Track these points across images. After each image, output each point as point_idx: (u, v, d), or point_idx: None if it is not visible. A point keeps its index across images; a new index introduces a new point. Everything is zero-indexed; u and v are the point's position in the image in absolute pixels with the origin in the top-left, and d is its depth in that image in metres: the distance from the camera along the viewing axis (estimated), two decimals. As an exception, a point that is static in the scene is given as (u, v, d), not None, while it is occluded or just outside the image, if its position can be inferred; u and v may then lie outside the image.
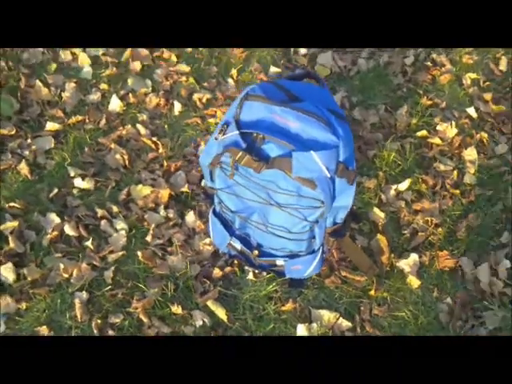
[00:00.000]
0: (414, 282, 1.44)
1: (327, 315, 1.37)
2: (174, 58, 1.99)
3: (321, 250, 1.35)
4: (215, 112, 1.82)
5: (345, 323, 1.36)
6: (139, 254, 1.45)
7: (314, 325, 1.35)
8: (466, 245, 1.51)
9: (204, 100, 1.86)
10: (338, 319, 1.36)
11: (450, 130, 1.78)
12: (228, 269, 1.44)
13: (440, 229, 1.55)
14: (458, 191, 1.63)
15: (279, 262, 1.36)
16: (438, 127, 1.80)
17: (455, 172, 1.68)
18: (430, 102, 1.88)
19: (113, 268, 1.43)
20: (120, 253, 1.46)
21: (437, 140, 1.77)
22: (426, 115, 1.85)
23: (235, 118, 1.23)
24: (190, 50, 2.01)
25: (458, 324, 1.36)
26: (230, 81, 1.93)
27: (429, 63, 2.01)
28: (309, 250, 1.34)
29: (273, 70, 1.96)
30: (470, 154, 1.72)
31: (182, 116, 1.81)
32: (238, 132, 1.20)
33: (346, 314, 1.39)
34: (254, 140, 1.20)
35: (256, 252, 1.37)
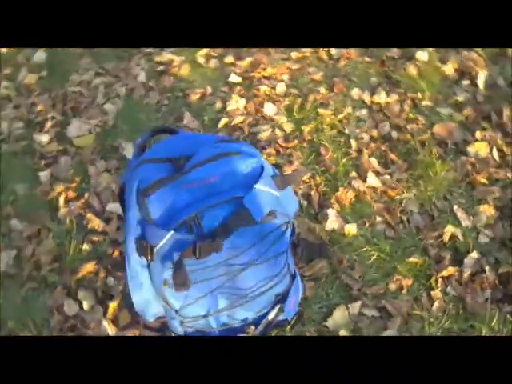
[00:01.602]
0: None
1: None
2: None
3: (295, 270, 1.25)
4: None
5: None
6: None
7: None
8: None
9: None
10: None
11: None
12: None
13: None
14: None
15: (271, 315, 1.21)
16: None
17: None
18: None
19: None
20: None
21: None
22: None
23: (148, 220, 1.02)
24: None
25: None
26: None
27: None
28: (291, 279, 1.22)
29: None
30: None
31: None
32: (172, 232, 1.01)
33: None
34: (190, 225, 1.02)
35: (252, 328, 1.20)
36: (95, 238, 1.45)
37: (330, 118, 1.78)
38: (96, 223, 1.48)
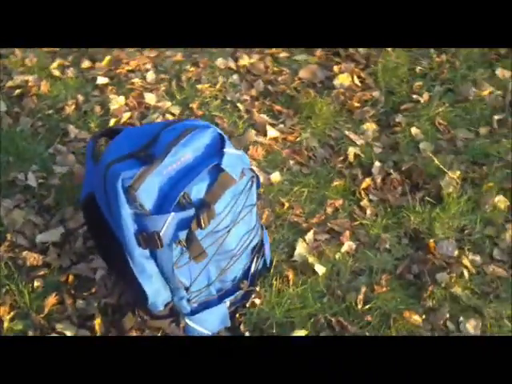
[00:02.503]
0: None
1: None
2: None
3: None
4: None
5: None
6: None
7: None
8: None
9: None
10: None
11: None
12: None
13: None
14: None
15: (253, 267, 1.29)
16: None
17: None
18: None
19: None
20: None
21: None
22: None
23: (143, 212, 1.06)
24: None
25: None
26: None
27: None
28: (262, 229, 1.31)
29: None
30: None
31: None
32: (172, 214, 1.05)
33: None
34: (182, 204, 1.07)
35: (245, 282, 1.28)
36: (41, 273, 1.39)
37: (210, 90, 1.87)
38: (34, 258, 1.41)
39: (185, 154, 1.09)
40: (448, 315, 1.31)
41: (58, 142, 1.70)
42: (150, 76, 1.92)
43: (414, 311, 1.32)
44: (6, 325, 1.29)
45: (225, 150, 1.12)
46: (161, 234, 1.04)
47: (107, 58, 1.96)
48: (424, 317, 1.31)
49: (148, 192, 1.05)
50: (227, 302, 1.25)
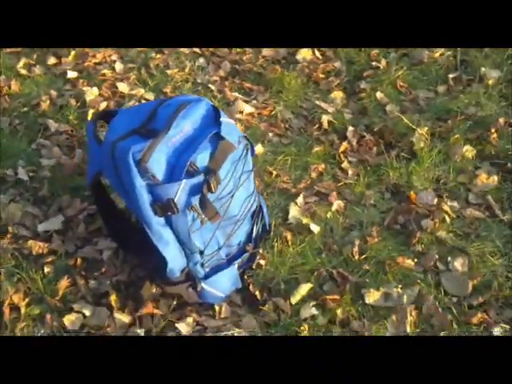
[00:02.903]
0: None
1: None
2: None
3: None
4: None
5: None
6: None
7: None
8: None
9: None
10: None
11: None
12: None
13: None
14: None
15: (255, 230, 1.37)
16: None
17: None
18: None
19: None
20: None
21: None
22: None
23: (156, 181, 1.11)
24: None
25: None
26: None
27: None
28: (259, 194, 1.40)
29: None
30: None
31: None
32: (184, 181, 1.11)
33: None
34: (190, 172, 1.13)
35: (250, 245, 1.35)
36: (49, 259, 1.41)
37: (179, 74, 1.92)
38: (39, 247, 1.43)
39: (185, 125, 1.16)
40: (437, 256, 1.43)
41: (40, 137, 1.71)
42: (118, 66, 1.95)
43: (406, 256, 1.43)
44: (23, 311, 1.31)
45: (222, 119, 1.19)
46: (175, 200, 1.10)
47: (73, 53, 1.97)
48: (416, 260, 1.43)
49: (157, 163, 1.11)
50: (236, 264, 1.32)
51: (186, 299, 1.28)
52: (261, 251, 1.41)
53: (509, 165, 1.65)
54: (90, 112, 1.76)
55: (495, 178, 1.61)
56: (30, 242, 1.43)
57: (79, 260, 1.41)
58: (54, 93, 1.85)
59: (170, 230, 1.15)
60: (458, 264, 1.42)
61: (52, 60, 1.97)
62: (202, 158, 1.15)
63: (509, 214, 1.53)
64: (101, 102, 1.80)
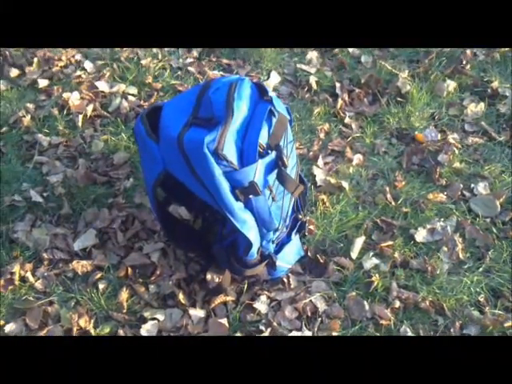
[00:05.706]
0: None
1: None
2: None
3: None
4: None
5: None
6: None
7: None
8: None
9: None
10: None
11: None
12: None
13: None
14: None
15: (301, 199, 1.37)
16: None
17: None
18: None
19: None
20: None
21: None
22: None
23: (233, 167, 1.09)
24: None
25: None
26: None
27: None
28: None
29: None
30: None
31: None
32: (260, 161, 1.11)
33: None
34: (261, 150, 1.13)
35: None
36: (98, 276, 1.36)
37: (154, 63, 1.87)
38: (82, 266, 1.37)
39: (242, 106, 1.15)
40: (461, 186, 1.54)
41: (37, 155, 1.61)
42: (88, 66, 1.85)
43: (435, 192, 1.52)
44: (93, 333, 1.27)
45: (270, 94, 1.19)
46: (255, 181, 1.10)
47: (35, 60, 1.85)
48: (445, 193, 1.52)
49: (231, 149, 1.09)
50: (297, 234, 1.34)
51: (263, 278, 1.30)
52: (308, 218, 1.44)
53: (488, 90, 1.79)
54: (80, 118, 1.68)
55: (482, 104, 1.74)
56: (72, 264, 1.37)
57: (129, 269, 1.37)
58: (30, 106, 1.73)
59: (250, 214, 1.15)
60: (481, 188, 1.54)
61: (14, 72, 1.83)
62: (262, 136, 1.15)
63: (503, 134, 1.67)
64: (86, 105, 1.71)
